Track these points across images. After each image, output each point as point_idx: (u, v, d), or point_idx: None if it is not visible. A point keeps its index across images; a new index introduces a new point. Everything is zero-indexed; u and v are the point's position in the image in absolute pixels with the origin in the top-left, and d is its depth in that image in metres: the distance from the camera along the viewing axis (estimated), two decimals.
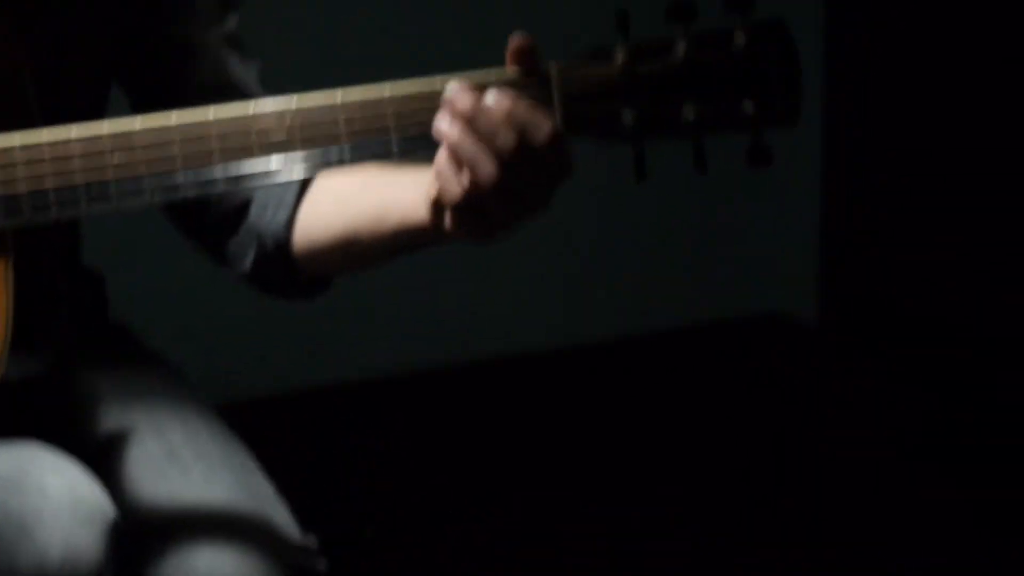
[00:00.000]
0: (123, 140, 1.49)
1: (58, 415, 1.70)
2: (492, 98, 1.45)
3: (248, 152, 1.50)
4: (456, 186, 1.45)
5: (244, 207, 1.72)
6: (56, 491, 1.48)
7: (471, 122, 1.44)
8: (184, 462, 1.66)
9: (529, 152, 1.43)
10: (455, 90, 1.46)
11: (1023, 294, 3.29)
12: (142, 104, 1.76)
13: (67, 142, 1.49)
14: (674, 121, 1.50)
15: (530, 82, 1.49)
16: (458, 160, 1.44)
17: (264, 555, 1.59)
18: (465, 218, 1.47)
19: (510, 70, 1.49)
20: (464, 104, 1.45)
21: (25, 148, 1.50)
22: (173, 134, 1.50)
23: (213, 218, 1.74)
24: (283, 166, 1.50)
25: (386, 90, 1.50)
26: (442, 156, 1.46)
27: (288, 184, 1.65)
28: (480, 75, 1.49)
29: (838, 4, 3.49)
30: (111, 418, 1.70)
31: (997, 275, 3.34)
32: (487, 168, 1.43)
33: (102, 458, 1.66)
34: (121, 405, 1.71)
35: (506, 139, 1.43)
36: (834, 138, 3.55)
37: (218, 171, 1.50)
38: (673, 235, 3.58)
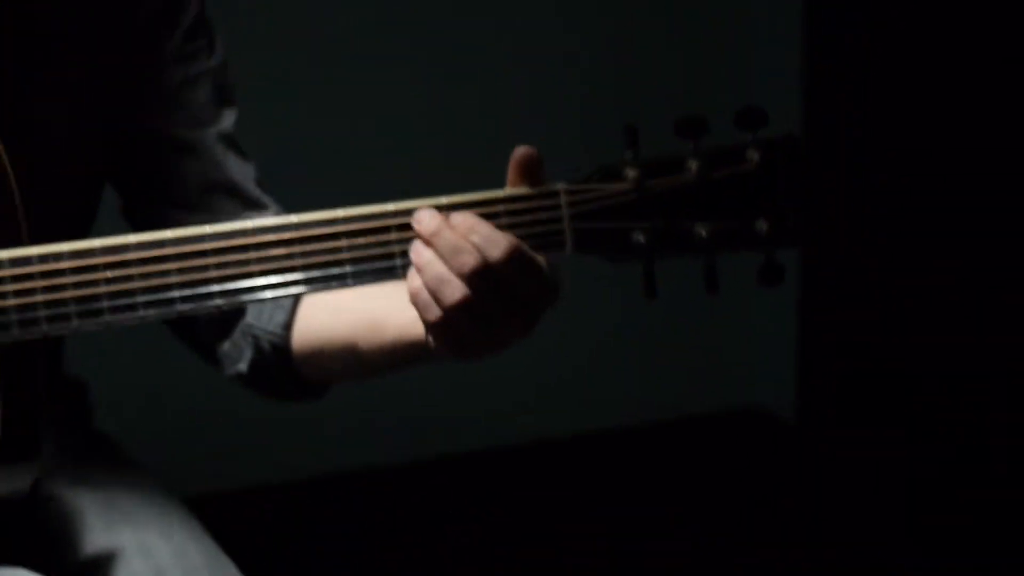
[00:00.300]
0: (116, 255, 1.44)
1: (41, 535, 1.64)
2: (454, 219, 1.41)
3: (246, 270, 1.45)
4: (431, 309, 1.41)
5: (239, 310, 1.67)
6: None
7: (435, 244, 1.41)
8: None
9: (491, 272, 1.39)
10: (420, 213, 1.43)
11: (1004, 394, 3.28)
12: (134, 205, 1.72)
13: (58, 256, 1.44)
14: (686, 240, 1.47)
15: (538, 201, 1.45)
16: (428, 284, 1.41)
17: None
18: (445, 340, 1.43)
19: (516, 188, 1.45)
20: (428, 227, 1.41)
21: (14, 262, 1.45)
22: (168, 249, 1.45)
23: (206, 319, 1.69)
24: (282, 284, 1.46)
25: (389, 207, 1.46)
26: (416, 280, 1.42)
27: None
28: (486, 194, 1.45)
29: (815, 98, 3.48)
30: (96, 538, 1.64)
31: (977, 372, 3.32)
32: (452, 290, 1.39)
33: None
34: (106, 524, 1.65)
35: (467, 259, 1.39)
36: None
37: (215, 288, 1.45)
38: (652, 329, 3.55)
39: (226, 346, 1.68)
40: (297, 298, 1.65)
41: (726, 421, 3.64)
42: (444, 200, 1.45)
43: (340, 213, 1.45)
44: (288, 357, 1.65)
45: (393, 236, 1.44)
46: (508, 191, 1.45)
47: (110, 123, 1.67)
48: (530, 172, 1.44)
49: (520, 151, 1.44)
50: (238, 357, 1.68)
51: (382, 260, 1.45)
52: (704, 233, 1.47)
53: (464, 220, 1.41)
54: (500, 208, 1.44)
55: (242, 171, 1.71)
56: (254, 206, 1.69)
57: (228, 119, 1.72)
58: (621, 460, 3.52)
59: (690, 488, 3.46)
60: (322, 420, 3.16)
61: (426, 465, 3.42)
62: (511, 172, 1.45)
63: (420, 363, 1.54)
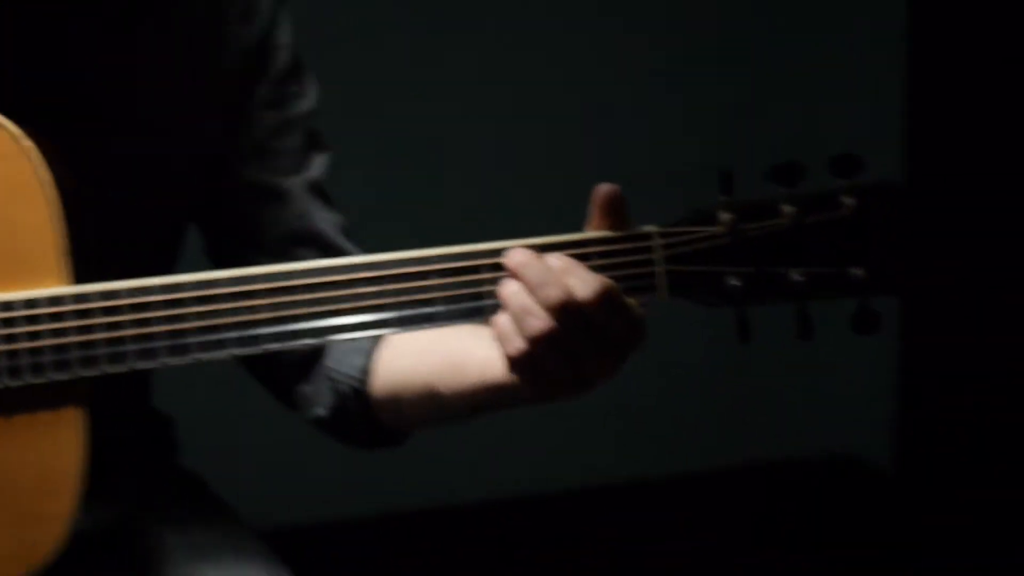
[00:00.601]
0: (206, 290, 1.44)
1: (126, 571, 1.63)
2: (548, 259, 1.40)
3: (336, 308, 1.44)
4: (513, 340, 1.39)
5: (318, 352, 1.67)
6: None
7: (522, 276, 1.40)
8: None
9: (579, 310, 1.38)
10: (512, 250, 1.42)
11: None
12: (218, 247, 1.71)
13: (148, 291, 1.44)
14: (781, 286, 1.44)
15: (630, 243, 1.43)
16: (512, 315, 1.40)
17: None
18: (526, 375, 1.41)
19: (606, 231, 1.44)
20: (517, 260, 1.40)
21: (105, 295, 1.45)
22: (258, 285, 1.44)
23: (285, 361, 1.69)
24: (372, 323, 1.45)
25: (480, 247, 1.44)
26: (501, 313, 1.41)
27: None
28: (578, 236, 1.44)
29: (917, 143, 3.43)
30: (185, 573, 1.63)
31: None
32: (536, 321, 1.38)
33: None
34: (188, 563, 1.64)
35: (553, 292, 1.38)
36: None
37: (303, 325, 1.44)
38: (746, 371, 3.51)
39: (306, 389, 1.68)
40: (376, 341, 1.63)
41: (820, 467, 3.59)
42: (536, 241, 1.44)
43: (431, 252, 1.44)
44: (367, 402, 1.64)
45: (484, 276, 1.43)
46: (599, 233, 1.44)
47: (196, 168, 1.67)
48: (614, 211, 1.42)
49: (603, 189, 1.42)
50: (317, 401, 1.67)
51: (471, 300, 1.43)
52: (799, 279, 1.44)
53: (559, 260, 1.40)
54: (592, 249, 1.43)
55: (327, 220, 1.70)
56: (338, 254, 1.68)
57: (318, 166, 1.72)
58: (711, 504, 3.48)
59: (782, 533, 3.41)
60: (412, 455, 3.14)
61: (512, 503, 3.39)
62: (594, 211, 1.43)
63: (500, 406, 1.52)
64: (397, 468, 3.21)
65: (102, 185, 1.56)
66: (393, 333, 1.45)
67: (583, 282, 1.38)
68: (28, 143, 1.46)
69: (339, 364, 1.64)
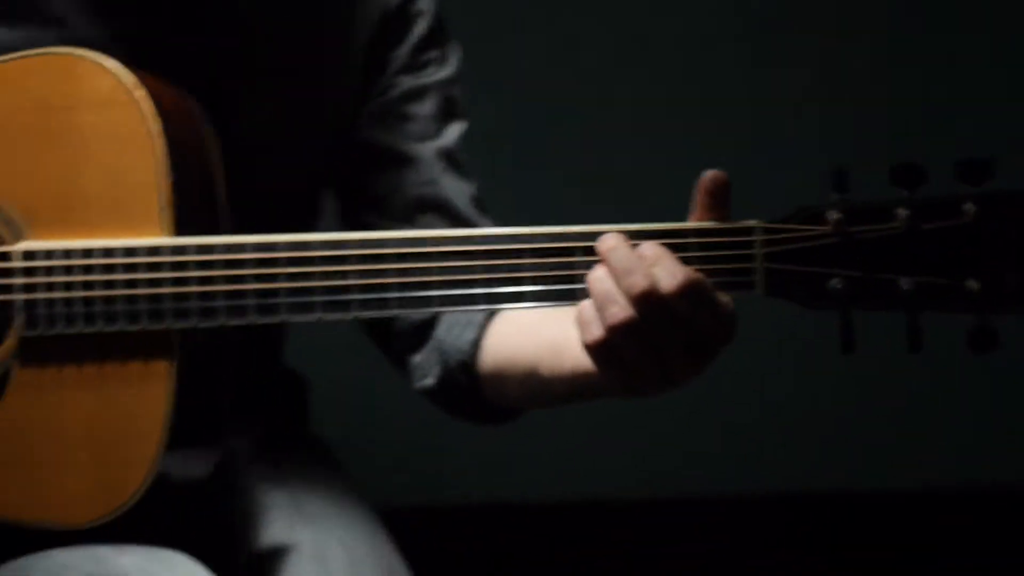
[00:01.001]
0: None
1: (223, 524, 1.64)
2: (642, 247, 1.36)
3: (425, 279, 1.42)
4: (593, 327, 1.35)
5: (431, 322, 1.65)
6: None
7: (609, 262, 1.35)
8: None
9: (662, 301, 1.33)
10: (604, 235, 1.38)
11: None
12: (348, 211, 1.71)
13: (242, 248, 1.44)
14: (888, 292, 1.37)
15: (731, 236, 1.38)
16: (596, 301, 1.36)
17: None
18: (608, 365, 1.37)
19: (707, 222, 1.39)
20: (605, 244, 1.36)
21: (200, 249, 1.45)
22: (350, 251, 1.42)
23: (399, 330, 1.68)
24: (460, 297, 1.42)
25: (576, 229, 1.41)
26: (587, 300, 1.37)
27: None
28: (677, 225, 1.39)
29: None
30: (274, 535, 1.63)
31: None
32: (616, 310, 1.33)
33: (258, 573, 1.60)
34: (288, 523, 1.64)
35: (638, 281, 1.33)
36: None
37: (393, 295, 1.42)
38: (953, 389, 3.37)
39: (417, 358, 1.66)
40: (489, 316, 1.61)
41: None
42: (633, 227, 1.39)
43: (526, 230, 1.41)
44: (474, 377, 1.61)
45: (577, 259, 1.39)
46: (700, 223, 1.39)
47: (329, 129, 1.67)
48: (718, 200, 1.37)
49: (710, 175, 1.37)
50: (427, 371, 1.65)
51: (563, 282, 1.40)
52: (907, 287, 1.37)
53: (650, 248, 1.35)
54: (691, 240, 1.38)
55: (457, 190, 1.68)
56: (464, 224, 1.66)
57: (452, 134, 1.70)
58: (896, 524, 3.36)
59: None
60: (552, 444, 3.12)
61: (665, 504, 3.32)
62: (698, 197, 1.38)
63: (593, 395, 1.47)
64: (533, 456, 3.19)
65: (241, 143, 1.56)
66: (481, 309, 1.42)
67: (669, 273, 1.34)
68: (141, 92, 1.46)
69: (450, 337, 1.63)
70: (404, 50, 1.67)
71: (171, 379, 1.45)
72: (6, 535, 1.47)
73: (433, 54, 1.69)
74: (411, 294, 1.42)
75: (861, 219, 1.37)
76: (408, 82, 1.68)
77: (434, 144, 1.68)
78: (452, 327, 1.63)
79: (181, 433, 1.47)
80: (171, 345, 1.45)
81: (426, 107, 1.68)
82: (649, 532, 3.26)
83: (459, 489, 3.21)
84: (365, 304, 1.43)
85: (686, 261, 1.36)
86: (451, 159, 1.69)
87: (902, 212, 1.36)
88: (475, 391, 1.63)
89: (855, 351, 1.39)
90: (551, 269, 1.40)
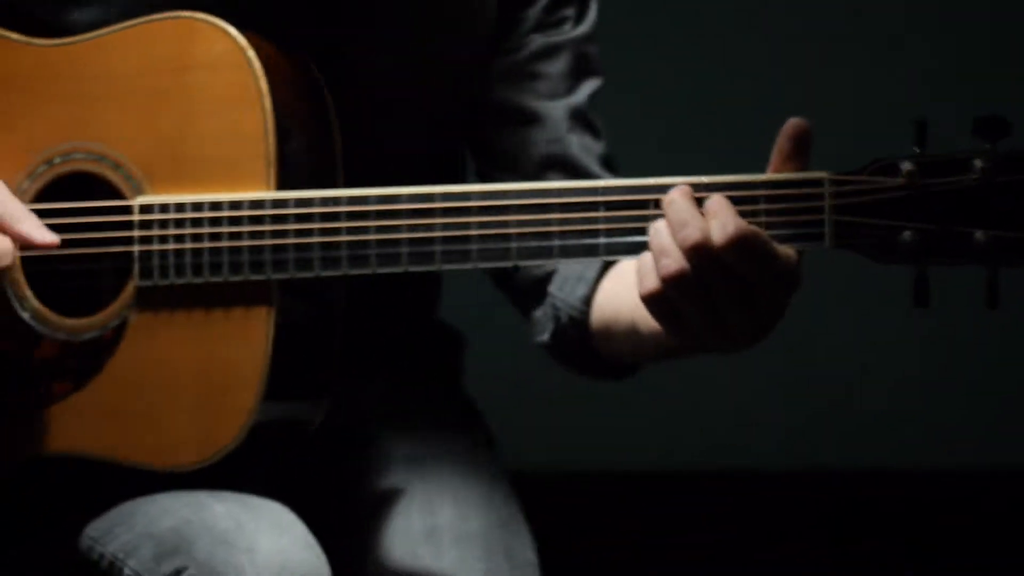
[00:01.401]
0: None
1: (336, 470, 1.69)
2: (708, 200, 1.35)
3: (504, 232, 1.44)
4: (648, 278, 1.36)
5: (547, 277, 1.67)
6: (265, 552, 1.47)
7: (667, 215, 1.36)
8: (441, 545, 1.61)
9: (714, 254, 1.32)
10: (676, 185, 1.38)
11: None
12: (482, 170, 1.74)
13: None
14: (963, 247, 1.34)
15: (800, 188, 1.37)
16: (653, 253, 1.36)
17: None
18: (665, 317, 1.37)
19: (778, 173, 1.37)
20: (668, 196, 1.37)
21: (276, 204, 1.50)
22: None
23: (520, 285, 1.70)
24: (536, 249, 1.44)
25: (650, 181, 1.41)
26: (646, 252, 1.38)
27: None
28: (747, 177, 1.39)
29: None
30: (392, 481, 1.67)
31: None
32: (670, 262, 1.33)
33: (369, 518, 1.64)
34: (406, 471, 1.68)
35: (691, 234, 1.33)
36: None
37: (474, 247, 1.45)
38: None
39: (538, 313, 1.68)
40: (601, 271, 1.62)
41: None
42: (705, 179, 1.39)
43: (600, 183, 1.42)
44: (586, 332, 1.63)
45: (651, 212, 1.39)
46: (769, 175, 1.38)
47: (457, 90, 1.70)
48: (799, 148, 1.36)
49: (792, 123, 1.36)
50: (544, 327, 1.67)
51: (637, 234, 1.40)
52: (983, 240, 1.33)
53: (713, 201, 1.35)
54: (760, 192, 1.37)
55: (584, 147, 1.69)
56: None
57: (584, 91, 1.71)
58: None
59: None
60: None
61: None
62: (779, 145, 1.37)
63: (679, 354, 1.49)
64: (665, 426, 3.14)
65: (365, 100, 1.62)
66: (556, 260, 1.43)
67: (721, 225, 1.33)
68: (252, 53, 1.53)
69: (562, 292, 1.65)
70: (538, 7, 1.70)
71: (270, 329, 1.51)
72: (116, 477, 1.55)
73: (569, 11, 1.71)
74: (490, 245, 1.44)
75: (936, 171, 1.34)
76: (540, 40, 1.70)
77: (564, 102, 1.70)
78: (565, 283, 1.65)
79: (285, 382, 1.53)
80: (270, 296, 1.51)
81: (558, 65, 1.70)
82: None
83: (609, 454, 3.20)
84: (447, 255, 1.45)
85: (755, 213, 1.36)
86: (580, 117, 1.71)
87: (979, 164, 1.33)
88: (587, 347, 1.64)
89: (927, 306, 1.36)
90: (624, 222, 1.41)
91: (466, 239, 1.45)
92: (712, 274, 1.33)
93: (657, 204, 1.39)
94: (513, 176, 1.68)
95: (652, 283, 1.35)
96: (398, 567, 1.60)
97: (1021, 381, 3.26)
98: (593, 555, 3.12)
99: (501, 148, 1.70)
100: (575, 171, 1.68)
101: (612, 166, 1.71)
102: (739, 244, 1.32)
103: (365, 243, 1.48)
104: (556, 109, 1.70)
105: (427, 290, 1.82)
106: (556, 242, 1.42)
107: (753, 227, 1.33)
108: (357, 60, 1.64)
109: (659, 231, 1.35)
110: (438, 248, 1.46)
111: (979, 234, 1.33)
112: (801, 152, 1.36)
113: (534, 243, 1.43)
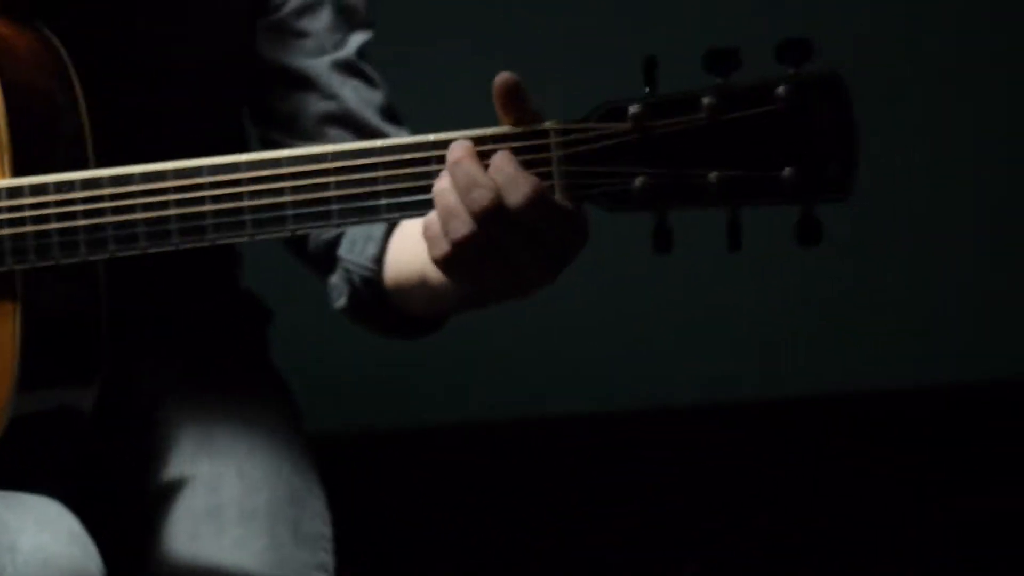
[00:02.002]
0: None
1: (116, 459, 1.65)
2: (494, 157, 1.31)
3: (279, 200, 1.39)
4: (438, 244, 1.31)
5: (337, 241, 1.63)
6: (27, 551, 1.43)
7: (453, 175, 1.30)
8: (223, 523, 1.57)
9: (506, 214, 1.28)
10: (453, 144, 1.32)
11: None
12: (263, 135, 1.70)
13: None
14: (697, 189, 1.29)
15: (525, 140, 1.32)
16: (440, 215, 1.31)
17: None
18: (459, 276, 1.33)
19: (503, 127, 1.33)
20: (451, 156, 1.31)
21: (87, 184, 1.44)
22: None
23: (312, 252, 1.67)
24: (313, 214, 1.39)
25: (430, 138, 1.36)
26: (433, 212, 1.33)
27: None
28: (474, 132, 1.33)
29: None
30: (181, 462, 1.64)
31: None
32: (459, 225, 1.29)
33: (157, 503, 1.61)
34: (195, 450, 1.64)
35: (480, 197, 1.28)
36: None
37: (247, 217, 1.39)
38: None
39: (333, 279, 1.64)
40: (389, 229, 1.58)
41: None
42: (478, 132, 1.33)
43: (377, 144, 1.36)
44: (381, 291, 1.59)
45: (434, 168, 1.34)
46: (495, 129, 1.33)
47: (226, 54, 1.66)
48: (513, 103, 1.31)
49: (500, 79, 1.31)
50: (340, 292, 1.63)
51: (420, 193, 1.34)
52: (716, 181, 1.29)
53: (497, 158, 1.30)
54: (488, 147, 1.32)
55: (363, 100, 1.65)
56: (372, 135, 1.63)
57: (352, 44, 1.67)
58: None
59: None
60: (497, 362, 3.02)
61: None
62: (497, 104, 1.32)
63: (472, 304, 1.46)
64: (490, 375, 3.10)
65: (138, 68, 1.59)
66: (339, 225, 1.38)
67: (513, 184, 1.28)
68: None
69: (352, 255, 1.61)
70: None
71: (17, 320, 1.46)
72: None
73: None
74: (264, 215, 1.39)
75: (664, 112, 1.29)
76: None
77: (331, 57, 1.65)
78: (354, 245, 1.61)
79: (43, 372, 1.48)
80: (14, 286, 1.46)
81: (321, 20, 1.66)
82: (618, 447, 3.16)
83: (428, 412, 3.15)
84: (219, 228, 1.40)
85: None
86: (351, 69, 1.66)
87: (707, 101, 1.28)
88: (385, 306, 1.60)
89: (740, 248, 1.30)
90: (406, 181, 1.35)
91: (239, 211, 1.39)
92: (505, 235, 1.29)
93: (440, 160, 1.33)
94: (294, 138, 1.64)
95: (443, 248, 1.30)
96: (179, 551, 1.56)
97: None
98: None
99: (278, 111, 1.66)
100: (355, 126, 1.64)
101: (395, 117, 1.67)
102: (537, 203, 1.28)
103: (131, 223, 1.42)
104: (324, 65, 1.65)
105: (225, 262, 1.77)
106: (335, 206, 1.37)
107: (541, 182, 1.29)
108: (119, 31, 1.59)
109: (445, 192, 1.30)
110: (209, 222, 1.41)
111: (712, 175, 1.29)
112: (520, 107, 1.31)
113: (311, 209, 1.38)
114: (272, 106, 1.67)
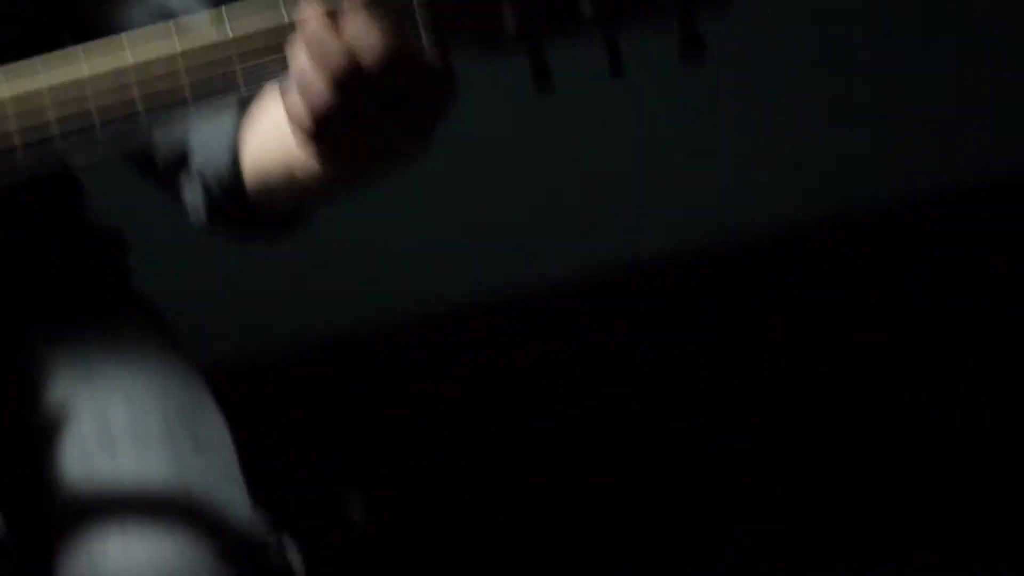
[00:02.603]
0: None
1: (10, 392, 1.57)
2: (335, 18, 1.24)
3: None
4: (298, 112, 1.26)
5: (186, 157, 1.55)
6: None
7: (308, 43, 1.25)
8: (116, 445, 1.50)
9: (362, 76, 1.22)
10: (305, 10, 1.26)
11: None
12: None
13: None
14: (569, 19, 1.23)
15: None
16: (299, 92, 1.25)
17: (188, 543, 1.43)
18: (328, 158, 1.28)
19: None
20: (307, 30, 1.25)
21: None
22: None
23: (163, 171, 1.58)
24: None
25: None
26: (293, 91, 1.27)
27: (223, 118, 1.48)
28: None
29: None
30: (59, 393, 1.56)
31: None
32: (316, 92, 1.24)
33: (40, 439, 1.53)
34: (73, 380, 1.56)
35: (336, 59, 1.23)
36: None
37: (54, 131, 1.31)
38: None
39: (188, 196, 1.57)
40: (236, 129, 1.50)
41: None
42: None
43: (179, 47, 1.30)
44: (243, 196, 1.51)
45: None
46: None
47: None
48: None
49: None
50: (198, 206, 1.55)
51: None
52: (589, 7, 1.23)
53: (348, 14, 1.24)
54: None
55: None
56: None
57: None
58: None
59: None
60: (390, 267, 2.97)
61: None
62: None
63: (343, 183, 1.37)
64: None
65: None
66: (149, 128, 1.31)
67: (367, 41, 1.23)
68: None
69: (206, 165, 1.53)
70: None
71: None
72: None
73: None
74: (69, 126, 1.31)
75: None
76: None
77: None
78: (208, 153, 1.53)
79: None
80: None
81: None
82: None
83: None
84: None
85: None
86: None
87: None
88: (248, 211, 1.52)
89: (553, 92, 1.26)
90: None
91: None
92: (368, 99, 1.23)
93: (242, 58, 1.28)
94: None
95: (306, 125, 1.25)
96: (75, 482, 1.48)
97: None
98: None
99: (101, 26, 1.55)
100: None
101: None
102: (391, 58, 1.22)
103: None
104: None
105: (65, 195, 1.69)
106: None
107: (395, 40, 1.23)
108: None
109: (298, 59, 1.25)
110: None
111: (584, 3, 1.23)
112: None
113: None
114: (92, 23, 1.56)
